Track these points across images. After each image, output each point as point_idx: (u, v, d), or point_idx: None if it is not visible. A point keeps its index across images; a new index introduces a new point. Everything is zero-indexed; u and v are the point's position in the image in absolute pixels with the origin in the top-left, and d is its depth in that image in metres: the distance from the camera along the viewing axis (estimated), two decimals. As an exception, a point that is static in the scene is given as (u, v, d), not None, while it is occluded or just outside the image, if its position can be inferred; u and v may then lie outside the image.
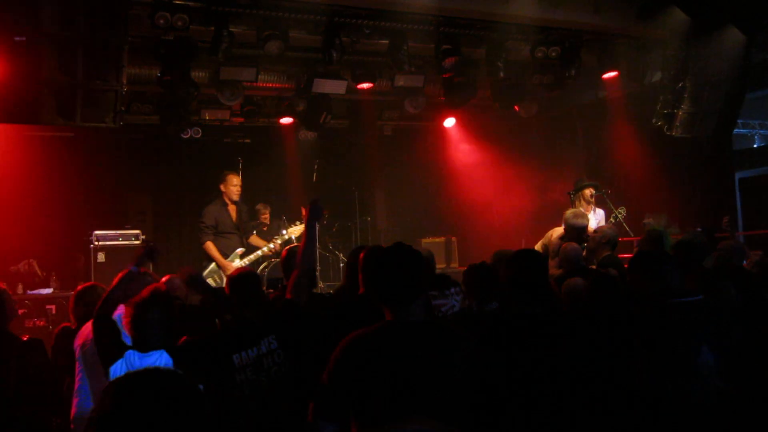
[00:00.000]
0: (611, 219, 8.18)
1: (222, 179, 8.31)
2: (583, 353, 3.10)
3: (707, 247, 5.67)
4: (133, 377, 1.77)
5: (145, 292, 3.61)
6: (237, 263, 8.18)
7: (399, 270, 2.72)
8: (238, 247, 8.45)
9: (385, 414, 2.52)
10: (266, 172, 11.48)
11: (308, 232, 4.21)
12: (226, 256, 8.26)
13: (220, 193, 8.41)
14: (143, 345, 3.50)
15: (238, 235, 8.19)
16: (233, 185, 8.20)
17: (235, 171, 8.52)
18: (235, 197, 8.21)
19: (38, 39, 6.06)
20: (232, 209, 8.25)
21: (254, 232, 8.61)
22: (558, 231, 7.05)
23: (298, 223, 8.60)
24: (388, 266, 2.75)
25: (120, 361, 3.44)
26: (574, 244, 5.93)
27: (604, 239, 6.16)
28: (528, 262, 3.39)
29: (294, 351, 3.76)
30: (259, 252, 8.37)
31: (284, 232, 8.59)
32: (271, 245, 8.24)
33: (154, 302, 3.55)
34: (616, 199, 8.57)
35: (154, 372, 1.82)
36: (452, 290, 4.96)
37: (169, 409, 1.68)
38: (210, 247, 8.15)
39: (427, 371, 2.55)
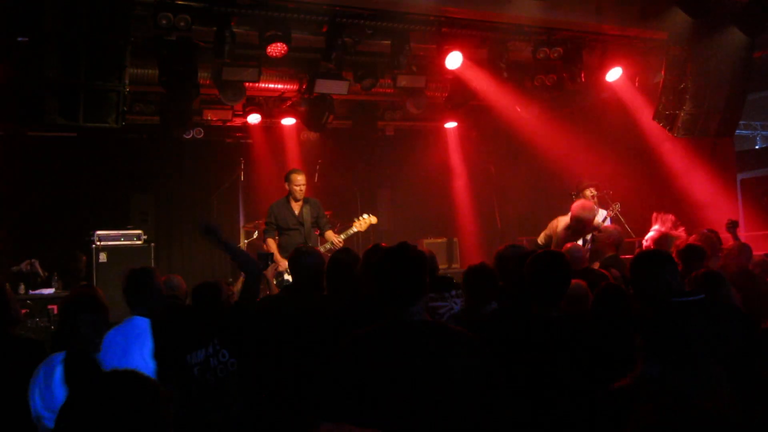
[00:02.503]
0: (609, 214, 8.21)
1: (286, 178, 8.34)
2: (585, 356, 3.10)
3: (715, 247, 5.68)
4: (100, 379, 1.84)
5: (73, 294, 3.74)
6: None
7: (402, 270, 2.72)
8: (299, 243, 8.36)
9: (385, 413, 2.52)
10: (268, 172, 11.50)
11: (227, 249, 4.52)
12: (287, 252, 8.13)
13: (287, 192, 8.43)
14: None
15: (301, 231, 8.14)
16: (296, 184, 8.19)
17: (299, 170, 8.52)
18: (299, 195, 8.21)
19: (41, 39, 6.06)
20: (296, 206, 8.23)
21: (329, 227, 8.54)
22: (563, 221, 7.03)
23: (365, 217, 8.75)
24: (391, 266, 2.75)
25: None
26: (578, 244, 5.93)
27: (610, 240, 6.16)
28: (555, 266, 3.35)
29: (238, 350, 4.00)
30: (327, 245, 8.36)
31: (354, 228, 8.65)
32: (340, 238, 8.28)
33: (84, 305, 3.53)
34: (617, 200, 8.58)
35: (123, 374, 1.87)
36: (452, 293, 4.95)
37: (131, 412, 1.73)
38: (270, 243, 8.19)
39: (428, 371, 2.56)
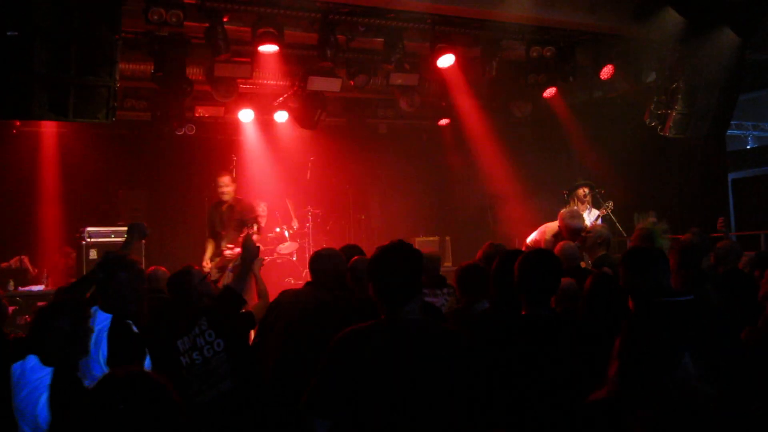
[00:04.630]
0: (602, 212, 8.22)
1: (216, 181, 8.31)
2: (574, 355, 3.09)
3: (707, 247, 5.68)
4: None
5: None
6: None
7: (396, 269, 2.72)
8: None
9: (378, 411, 2.52)
10: (260, 169, 11.46)
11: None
12: (218, 255, 8.11)
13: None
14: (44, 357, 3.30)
15: (227, 234, 8.09)
16: (219, 187, 8.19)
17: (225, 171, 8.52)
18: (223, 198, 8.18)
19: (31, 33, 6.01)
20: (224, 209, 8.18)
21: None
22: (552, 227, 7.04)
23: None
24: (385, 264, 2.74)
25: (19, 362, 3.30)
26: (572, 243, 5.93)
27: (600, 239, 6.15)
28: (545, 265, 3.34)
29: (224, 331, 4.08)
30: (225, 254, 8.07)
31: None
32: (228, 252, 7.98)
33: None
34: (609, 199, 8.59)
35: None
36: (444, 290, 4.97)
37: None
38: (208, 244, 8.23)
39: (421, 368, 2.55)
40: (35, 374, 3.18)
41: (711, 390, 2.38)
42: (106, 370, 3.56)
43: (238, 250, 7.64)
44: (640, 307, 3.24)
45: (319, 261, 4.43)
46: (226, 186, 8.20)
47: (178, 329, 4.07)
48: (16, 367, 3.24)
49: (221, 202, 8.21)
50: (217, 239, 8.16)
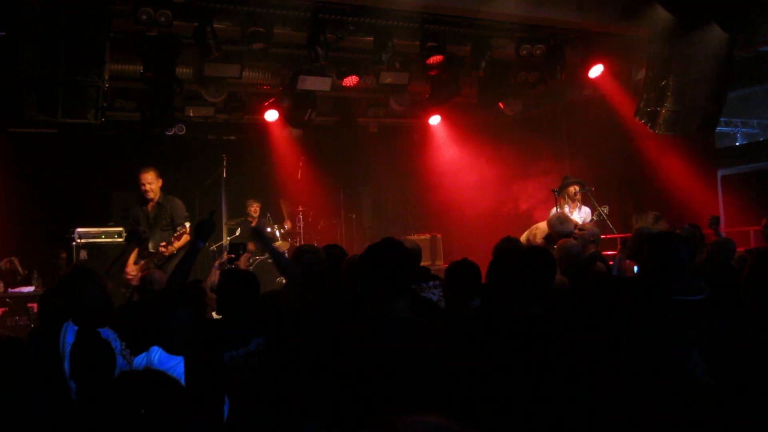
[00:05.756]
0: (594, 216, 8.24)
1: (136, 178, 7.71)
2: (567, 352, 3.10)
3: (699, 243, 5.73)
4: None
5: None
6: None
7: (384, 266, 2.71)
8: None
9: (365, 410, 2.51)
10: (251, 169, 11.44)
11: (271, 253, 4.59)
12: (142, 256, 7.48)
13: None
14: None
15: (153, 233, 7.48)
16: (141, 184, 7.58)
17: (149, 168, 7.73)
18: (146, 196, 7.59)
19: (19, 33, 5.98)
20: (149, 207, 7.67)
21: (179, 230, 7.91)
22: (542, 228, 7.08)
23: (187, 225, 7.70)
24: (374, 262, 2.74)
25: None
26: (573, 241, 5.97)
27: (592, 237, 6.25)
28: (539, 263, 3.34)
29: (278, 349, 3.81)
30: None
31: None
32: (174, 246, 7.43)
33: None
34: (600, 196, 8.62)
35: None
36: (431, 284, 4.97)
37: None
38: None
39: (408, 367, 2.55)
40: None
41: (712, 381, 2.42)
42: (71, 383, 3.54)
43: (172, 248, 7.35)
44: (658, 304, 3.24)
45: (302, 255, 4.47)
46: (150, 183, 7.58)
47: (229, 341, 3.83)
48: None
49: (146, 201, 7.65)
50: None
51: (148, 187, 7.56)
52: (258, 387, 3.65)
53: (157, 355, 3.54)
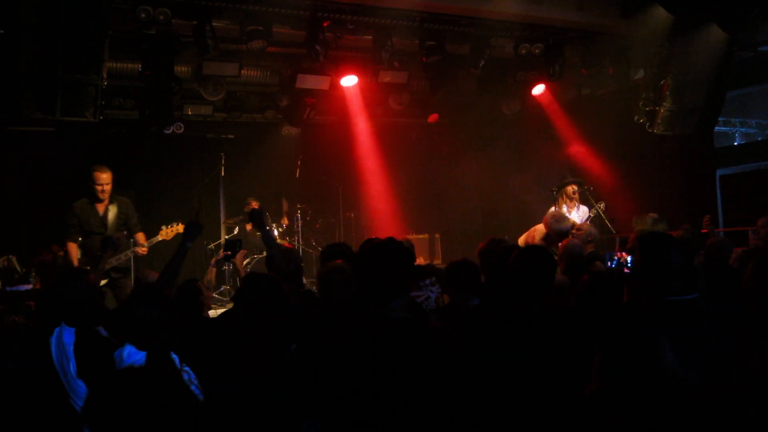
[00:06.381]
0: (591, 213, 8.25)
1: (89, 176, 7.33)
2: (566, 352, 3.10)
3: (697, 244, 5.73)
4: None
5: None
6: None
7: (383, 266, 2.70)
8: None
9: (363, 409, 2.51)
10: (249, 167, 11.43)
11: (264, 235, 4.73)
12: (91, 257, 7.22)
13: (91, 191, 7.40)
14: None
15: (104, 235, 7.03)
16: (97, 183, 7.23)
17: (105, 168, 7.38)
18: (101, 196, 7.27)
19: (17, 32, 5.97)
20: (100, 207, 7.35)
21: (139, 229, 7.60)
22: (541, 229, 7.08)
23: (173, 225, 7.75)
24: (372, 261, 2.73)
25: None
26: (576, 241, 5.97)
27: (590, 237, 6.26)
28: (541, 261, 3.33)
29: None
30: (129, 252, 7.38)
31: (159, 236, 7.66)
32: (145, 245, 7.36)
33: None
34: (598, 196, 8.62)
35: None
36: (427, 282, 4.94)
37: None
38: (71, 248, 7.29)
39: (405, 367, 2.54)
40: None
41: (691, 376, 2.41)
42: (80, 383, 3.51)
43: (145, 249, 7.29)
44: (653, 304, 3.23)
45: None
46: (108, 184, 7.29)
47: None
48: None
49: (97, 200, 7.34)
50: (90, 241, 7.27)
51: (105, 187, 7.27)
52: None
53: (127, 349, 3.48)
